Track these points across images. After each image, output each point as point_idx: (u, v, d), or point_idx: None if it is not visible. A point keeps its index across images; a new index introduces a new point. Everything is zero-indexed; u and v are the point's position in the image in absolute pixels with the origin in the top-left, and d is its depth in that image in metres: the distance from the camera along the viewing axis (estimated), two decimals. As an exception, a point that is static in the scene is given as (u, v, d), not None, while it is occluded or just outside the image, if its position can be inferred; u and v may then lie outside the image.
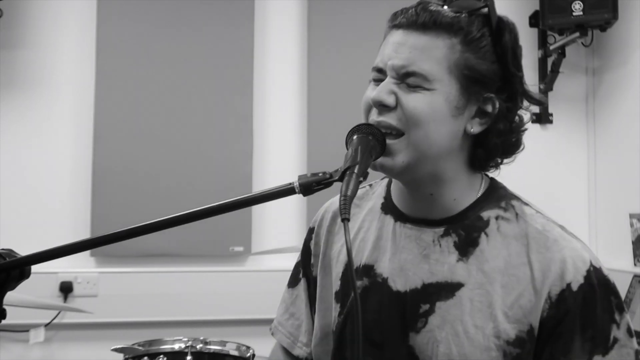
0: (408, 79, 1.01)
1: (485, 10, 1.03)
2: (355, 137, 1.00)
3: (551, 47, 3.17)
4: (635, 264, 2.88)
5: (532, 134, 3.35)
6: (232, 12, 3.02)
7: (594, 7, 2.96)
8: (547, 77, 3.21)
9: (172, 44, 2.96)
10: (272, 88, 3.08)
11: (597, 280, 1.00)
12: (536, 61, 3.27)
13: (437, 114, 1.01)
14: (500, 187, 1.12)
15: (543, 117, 3.25)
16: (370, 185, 1.25)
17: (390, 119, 1.02)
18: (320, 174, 0.95)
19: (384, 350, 1.08)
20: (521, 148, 1.10)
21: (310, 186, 0.94)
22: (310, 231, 1.29)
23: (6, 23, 2.81)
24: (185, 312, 2.88)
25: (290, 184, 0.95)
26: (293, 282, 1.32)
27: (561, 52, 3.16)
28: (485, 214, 1.07)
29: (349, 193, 0.90)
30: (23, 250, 0.91)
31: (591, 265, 1.01)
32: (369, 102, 1.04)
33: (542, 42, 3.26)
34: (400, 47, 1.02)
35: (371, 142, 0.99)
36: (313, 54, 3.07)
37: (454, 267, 1.05)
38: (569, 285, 0.99)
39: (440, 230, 1.08)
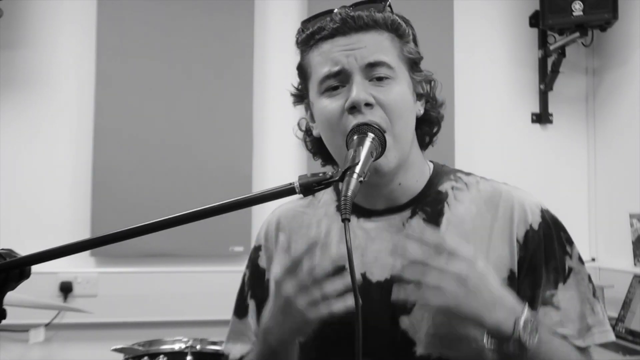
0: (374, 70, 1.05)
1: (389, 2, 1.13)
2: (355, 137, 1.01)
3: (551, 47, 3.17)
4: (635, 264, 2.88)
5: (532, 134, 3.38)
6: (232, 11, 3.02)
7: (594, 7, 2.96)
8: (547, 77, 3.21)
9: (172, 44, 2.96)
10: (272, 88, 3.07)
11: (549, 219, 1.12)
12: (536, 61, 3.26)
13: (408, 101, 1.09)
14: (443, 165, 1.22)
15: (543, 117, 3.24)
16: (314, 195, 1.25)
17: (374, 117, 1.04)
18: (320, 174, 0.94)
19: (378, 339, 1.07)
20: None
21: (310, 186, 0.93)
22: (257, 249, 1.28)
23: (6, 23, 2.81)
24: (185, 312, 2.88)
25: (290, 184, 0.94)
26: (241, 312, 1.28)
27: (561, 52, 3.16)
28: (442, 187, 1.16)
29: (349, 193, 0.90)
30: (23, 250, 0.91)
31: (542, 206, 1.13)
32: (340, 110, 1.06)
33: (542, 42, 3.25)
34: (353, 46, 1.06)
35: (373, 143, 1.00)
36: (313, 54, 3.07)
37: (428, 239, 1.06)
38: (531, 225, 1.10)
39: (407, 212, 1.14)
